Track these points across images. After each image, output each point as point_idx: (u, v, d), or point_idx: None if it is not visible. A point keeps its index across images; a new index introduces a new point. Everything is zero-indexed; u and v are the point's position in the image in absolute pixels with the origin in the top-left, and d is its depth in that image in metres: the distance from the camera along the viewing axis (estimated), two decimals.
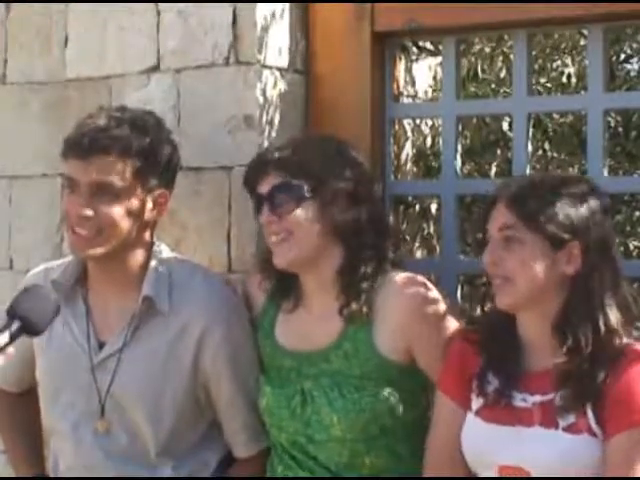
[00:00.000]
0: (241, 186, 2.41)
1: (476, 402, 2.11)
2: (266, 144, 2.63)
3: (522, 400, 2.05)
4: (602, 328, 1.99)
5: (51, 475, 2.51)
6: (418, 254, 3.38)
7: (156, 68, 2.77)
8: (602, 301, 2.01)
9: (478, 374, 2.11)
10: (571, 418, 1.98)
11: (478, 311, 2.28)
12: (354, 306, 2.26)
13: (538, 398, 2.04)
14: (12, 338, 1.91)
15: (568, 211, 2.01)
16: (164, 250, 2.42)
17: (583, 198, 2.03)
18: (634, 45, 4.37)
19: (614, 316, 2.01)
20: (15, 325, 1.90)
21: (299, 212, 2.25)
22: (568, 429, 1.98)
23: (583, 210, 2.02)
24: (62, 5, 2.89)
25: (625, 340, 2.01)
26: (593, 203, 2.04)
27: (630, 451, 1.92)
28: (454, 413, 2.14)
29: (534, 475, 2.00)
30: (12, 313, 1.91)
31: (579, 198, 2.03)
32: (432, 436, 2.20)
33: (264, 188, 2.29)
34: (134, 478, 2.36)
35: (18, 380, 2.58)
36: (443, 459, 2.16)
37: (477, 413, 2.10)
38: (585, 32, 2.89)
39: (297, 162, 2.26)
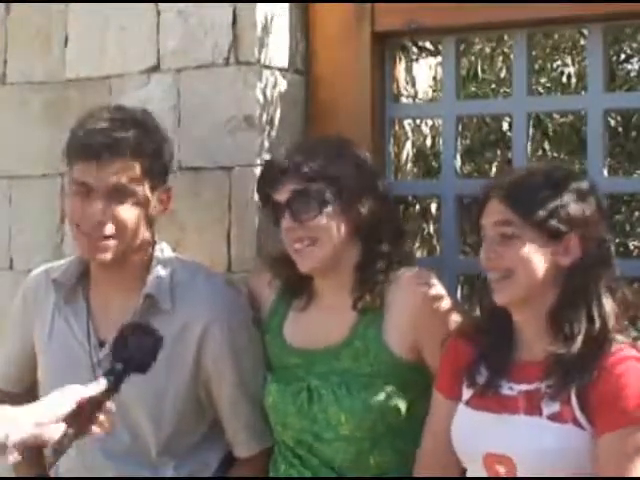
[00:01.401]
0: (241, 186, 2.40)
1: (466, 393, 2.12)
2: (266, 144, 2.63)
3: (509, 389, 2.05)
4: (597, 318, 1.99)
5: (51, 475, 2.51)
6: (418, 254, 3.38)
7: (156, 68, 2.76)
8: (598, 292, 2.01)
9: (469, 366, 2.11)
10: (555, 407, 1.98)
11: (477, 310, 2.30)
12: (368, 298, 2.27)
13: (524, 387, 2.04)
14: (117, 382, 1.97)
15: (564, 203, 2.01)
16: (165, 249, 2.43)
17: (576, 189, 2.03)
18: (634, 45, 4.37)
19: (609, 307, 2.01)
20: (119, 367, 1.98)
21: (322, 218, 2.24)
22: (552, 417, 1.98)
23: (578, 201, 2.02)
24: (62, 5, 2.89)
25: (619, 337, 2.00)
26: (586, 193, 2.04)
27: (621, 450, 1.92)
28: (448, 411, 2.14)
29: (517, 462, 2.00)
30: (116, 356, 1.99)
31: (572, 189, 2.03)
32: (426, 433, 2.20)
33: (282, 195, 2.27)
34: (134, 478, 2.36)
35: (19, 380, 2.58)
36: (436, 457, 2.17)
37: (466, 403, 2.11)
38: (585, 32, 2.89)
39: (315, 166, 2.24)
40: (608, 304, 2.01)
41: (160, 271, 2.36)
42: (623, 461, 1.91)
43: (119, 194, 2.26)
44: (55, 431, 1.87)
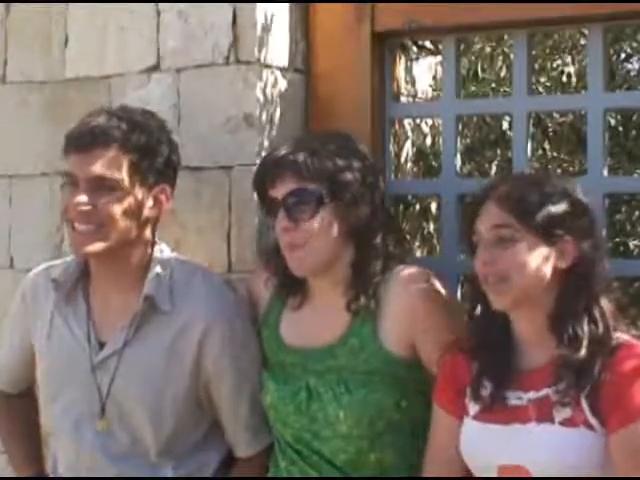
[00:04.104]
0: (241, 186, 2.40)
1: (473, 407, 2.11)
2: (266, 144, 2.63)
3: (517, 399, 2.05)
4: (599, 320, 2.01)
5: (50, 475, 2.51)
6: (418, 253, 3.38)
7: (156, 68, 2.77)
8: (596, 293, 2.03)
9: (472, 381, 2.10)
10: (567, 412, 1.98)
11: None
12: (362, 300, 2.26)
13: (532, 395, 2.04)
14: None
15: (559, 207, 2.02)
16: (165, 250, 2.42)
17: (571, 194, 2.05)
18: (634, 44, 4.38)
19: (607, 309, 2.03)
20: None
21: (318, 218, 2.23)
22: (564, 423, 1.98)
23: (573, 205, 2.04)
24: (62, 5, 2.89)
25: (618, 334, 2.02)
26: (580, 198, 2.06)
27: (636, 445, 1.93)
28: (451, 426, 2.14)
29: (533, 472, 2.00)
30: None
31: (566, 194, 2.04)
32: (430, 449, 2.20)
33: (279, 192, 2.25)
34: (134, 478, 2.36)
35: (17, 381, 2.58)
36: (442, 472, 2.16)
37: (474, 417, 2.10)
38: (585, 32, 2.90)
39: (312, 165, 2.22)
40: (606, 305, 2.03)
41: (159, 271, 2.35)
42: (638, 456, 1.93)
43: (103, 186, 2.25)
44: None
